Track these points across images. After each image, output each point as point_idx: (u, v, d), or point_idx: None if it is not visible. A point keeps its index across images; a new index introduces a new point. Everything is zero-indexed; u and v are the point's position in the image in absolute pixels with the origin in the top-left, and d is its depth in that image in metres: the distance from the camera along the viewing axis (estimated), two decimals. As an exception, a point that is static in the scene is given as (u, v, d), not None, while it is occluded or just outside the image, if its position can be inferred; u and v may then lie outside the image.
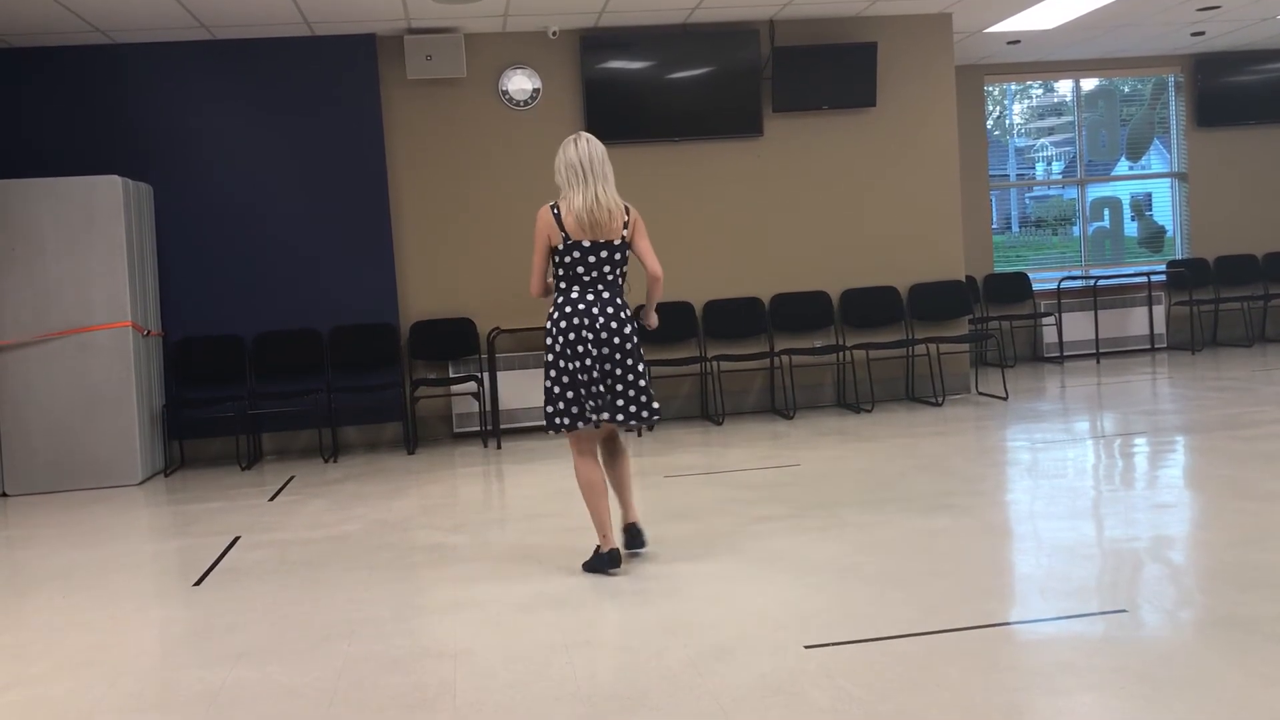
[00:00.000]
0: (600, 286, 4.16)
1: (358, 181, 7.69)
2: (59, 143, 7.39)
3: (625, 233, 4.18)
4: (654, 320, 4.39)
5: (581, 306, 4.13)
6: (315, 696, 3.13)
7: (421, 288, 7.87)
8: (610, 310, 4.15)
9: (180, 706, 3.12)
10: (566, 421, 4.16)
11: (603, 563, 4.18)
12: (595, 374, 4.13)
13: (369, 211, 7.70)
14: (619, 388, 4.17)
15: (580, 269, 4.14)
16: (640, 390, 4.20)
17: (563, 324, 4.13)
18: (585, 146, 4.17)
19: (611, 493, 4.36)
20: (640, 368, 4.21)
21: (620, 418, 4.17)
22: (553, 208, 4.16)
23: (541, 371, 7.56)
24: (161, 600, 4.23)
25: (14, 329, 6.76)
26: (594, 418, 4.16)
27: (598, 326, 4.12)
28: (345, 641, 3.59)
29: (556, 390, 4.16)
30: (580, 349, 4.11)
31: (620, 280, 4.23)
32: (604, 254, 4.14)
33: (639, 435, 7.49)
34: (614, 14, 7.57)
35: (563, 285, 4.19)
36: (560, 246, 4.13)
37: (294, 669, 3.36)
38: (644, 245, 4.22)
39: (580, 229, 4.11)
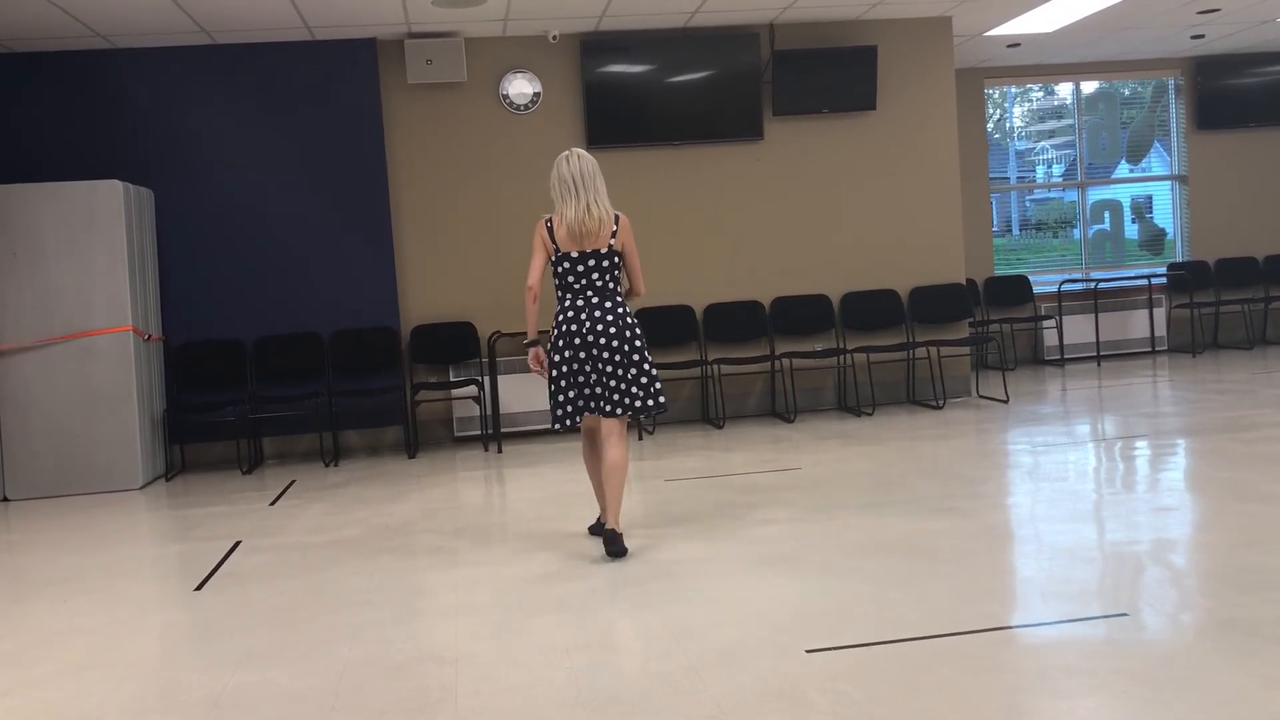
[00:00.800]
0: (590, 293, 4.47)
1: (358, 185, 7.69)
2: (60, 147, 7.40)
3: (613, 241, 4.46)
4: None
5: (572, 314, 4.46)
6: (316, 700, 3.13)
7: (422, 291, 7.87)
8: (599, 314, 4.44)
9: (182, 710, 3.12)
10: (569, 419, 4.50)
11: (597, 528, 4.73)
12: (595, 375, 4.45)
13: (370, 215, 7.71)
14: (623, 383, 4.46)
15: (571, 278, 4.47)
16: (644, 383, 4.48)
17: (560, 329, 4.48)
18: (576, 163, 4.44)
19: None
20: (644, 363, 4.48)
21: (621, 410, 4.47)
22: (547, 222, 4.49)
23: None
24: (163, 604, 4.23)
25: (15, 333, 6.77)
26: (600, 411, 4.48)
27: (585, 330, 4.43)
28: (346, 645, 3.59)
29: (556, 389, 4.50)
30: (579, 352, 4.45)
31: (613, 284, 4.50)
32: (591, 263, 4.45)
33: (640, 439, 7.49)
34: (614, 18, 7.58)
35: (559, 294, 4.54)
36: (553, 258, 4.48)
37: (295, 673, 3.36)
38: (633, 263, 4.56)
39: (570, 240, 4.43)
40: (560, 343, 4.46)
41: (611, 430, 4.51)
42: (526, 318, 4.58)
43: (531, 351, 4.57)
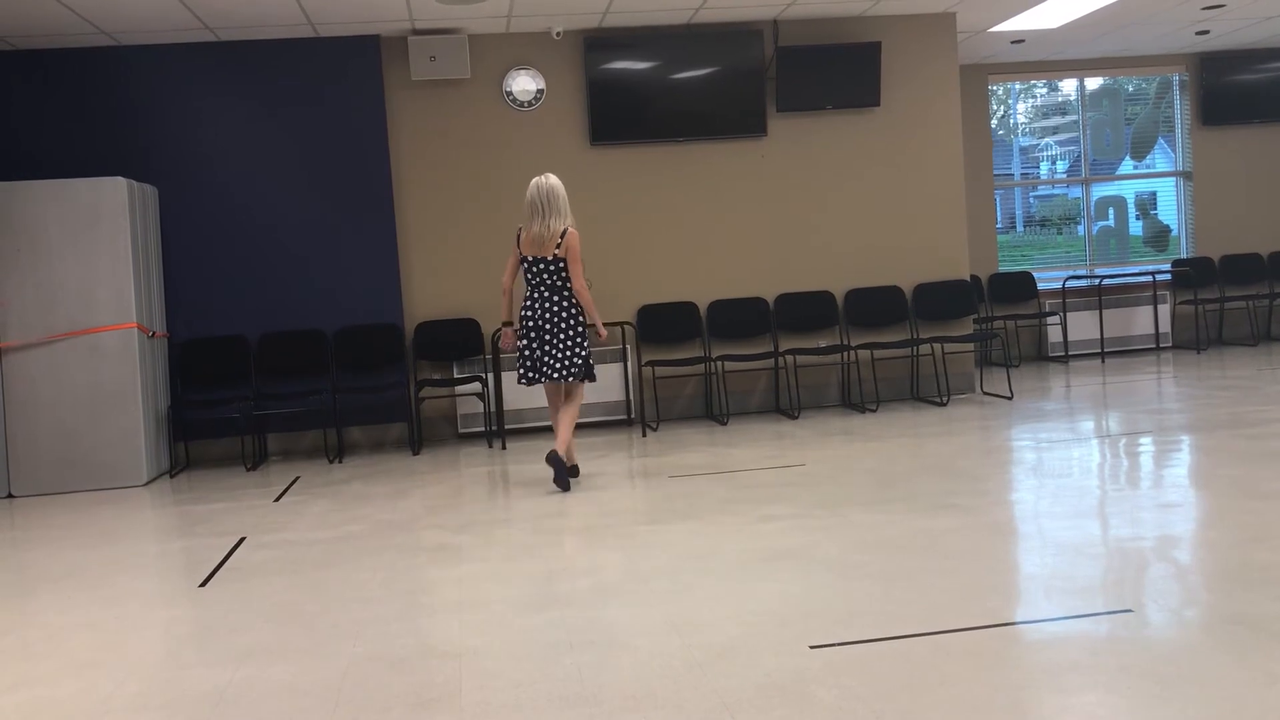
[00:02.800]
0: (543, 289, 5.78)
1: (362, 182, 7.70)
2: (64, 144, 7.41)
3: (557, 251, 5.71)
4: (602, 332, 5.87)
5: (528, 302, 5.82)
6: (320, 696, 3.13)
7: (426, 288, 7.88)
8: (545, 305, 5.77)
9: (186, 706, 3.12)
10: (525, 379, 5.84)
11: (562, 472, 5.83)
12: (537, 348, 5.78)
13: (373, 212, 7.71)
14: (565, 358, 5.77)
15: (529, 276, 5.82)
16: (577, 361, 5.79)
17: (521, 315, 5.84)
18: (546, 187, 5.73)
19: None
20: (572, 344, 5.77)
21: (556, 375, 5.77)
22: (519, 230, 5.81)
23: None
24: (167, 600, 4.24)
25: (20, 330, 6.78)
26: (542, 378, 5.82)
27: (535, 315, 5.78)
28: (351, 641, 3.59)
29: (518, 359, 5.87)
30: (530, 333, 5.79)
31: (563, 283, 5.78)
32: (540, 266, 5.76)
33: (643, 435, 7.49)
34: (618, 14, 7.57)
35: (525, 288, 5.90)
36: (519, 259, 5.83)
37: (299, 669, 3.37)
38: (574, 267, 5.75)
39: (529, 248, 5.77)
40: (521, 326, 5.83)
41: (567, 391, 5.94)
42: (503, 304, 6.07)
43: (504, 332, 5.98)
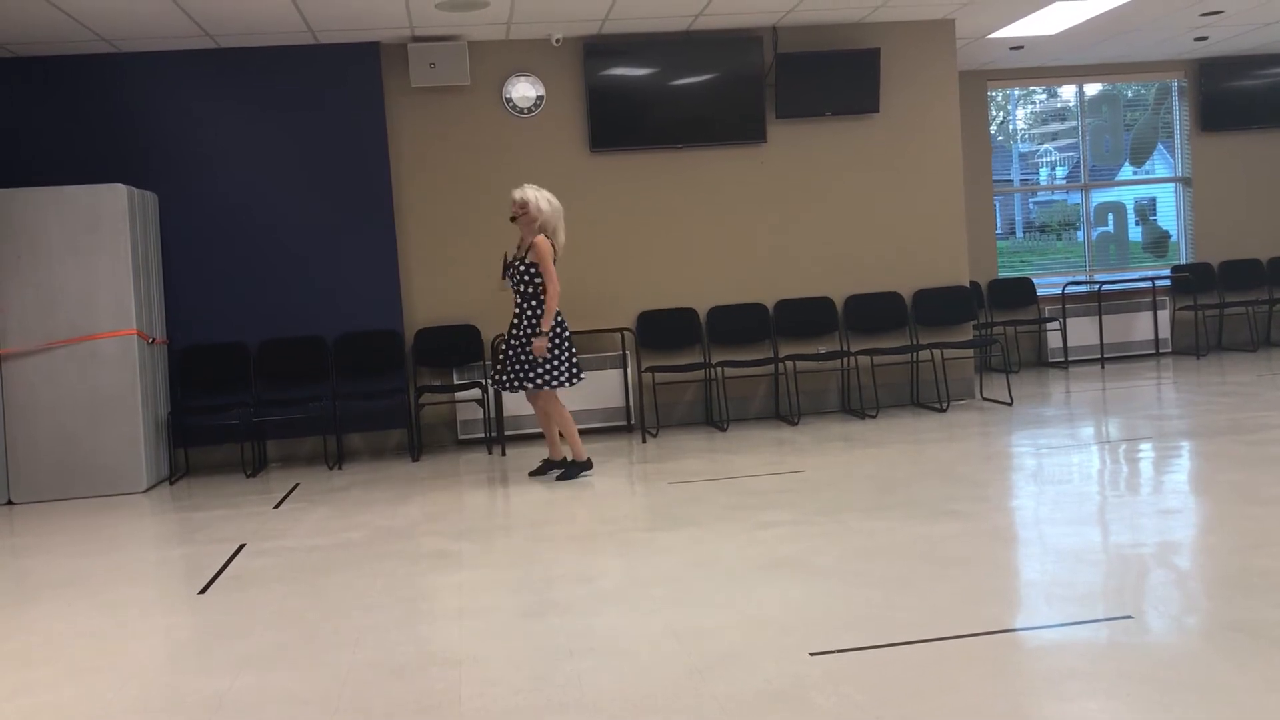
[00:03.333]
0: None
1: (362, 188, 7.70)
2: (65, 151, 7.42)
3: None
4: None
5: (560, 306, 6.42)
6: (320, 703, 3.13)
7: (426, 294, 7.88)
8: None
9: (186, 713, 3.12)
10: (578, 377, 6.16)
11: (581, 468, 6.30)
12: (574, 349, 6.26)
13: (373, 218, 7.72)
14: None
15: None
16: None
17: (562, 318, 6.16)
18: (555, 200, 6.14)
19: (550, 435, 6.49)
20: None
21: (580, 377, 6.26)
22: (549, 239, 6.10)
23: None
24: (167, 607, 4.24)
25: (20, 337, 6.78)
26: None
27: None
28: (350, 649, 3.59)
29: (568, 357, 6.11)
30: (569, 332, 6.20)
31: None
32: None
33: (643, 441, 7.49)
34: (617, 21, 7.58)
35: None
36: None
37: (299, 676, 3.37)
38: None
39: (560, 254, 6.20)
40: (565, 329, 6.15)
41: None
42: (550, 313, 5.97)
43: (541, 341, 6.02)
